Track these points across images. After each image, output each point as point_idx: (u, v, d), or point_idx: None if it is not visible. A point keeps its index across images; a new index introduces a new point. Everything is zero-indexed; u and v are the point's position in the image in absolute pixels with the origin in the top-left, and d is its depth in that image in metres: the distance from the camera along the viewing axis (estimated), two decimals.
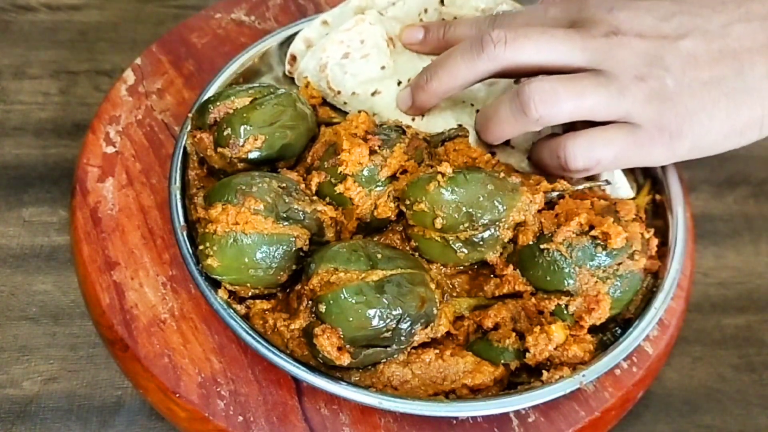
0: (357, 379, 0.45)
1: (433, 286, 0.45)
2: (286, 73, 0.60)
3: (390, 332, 0.42)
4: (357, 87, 0.55)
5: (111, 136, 0.56)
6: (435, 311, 0.44)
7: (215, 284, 0.46)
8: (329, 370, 0.44)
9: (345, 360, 0.42)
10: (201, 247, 0.44)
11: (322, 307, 0.42)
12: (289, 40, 0.59)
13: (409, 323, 0.42)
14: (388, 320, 0.42)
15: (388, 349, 0.43)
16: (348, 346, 0.42)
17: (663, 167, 0.55)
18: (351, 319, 0.41)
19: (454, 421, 0.46)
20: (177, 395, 0.46)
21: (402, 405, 0.43)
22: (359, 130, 0.49)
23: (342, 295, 0.42)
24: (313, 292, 0.43)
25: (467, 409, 0.44)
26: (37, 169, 0.66)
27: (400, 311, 0.42)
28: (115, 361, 0.50)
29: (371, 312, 0.41)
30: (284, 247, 0.45)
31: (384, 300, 0.42)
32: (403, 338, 0.43)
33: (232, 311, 0.45)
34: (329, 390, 0.43)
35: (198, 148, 0.51)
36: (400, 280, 0.43)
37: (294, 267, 0.45)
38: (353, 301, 0.41)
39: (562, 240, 0.46)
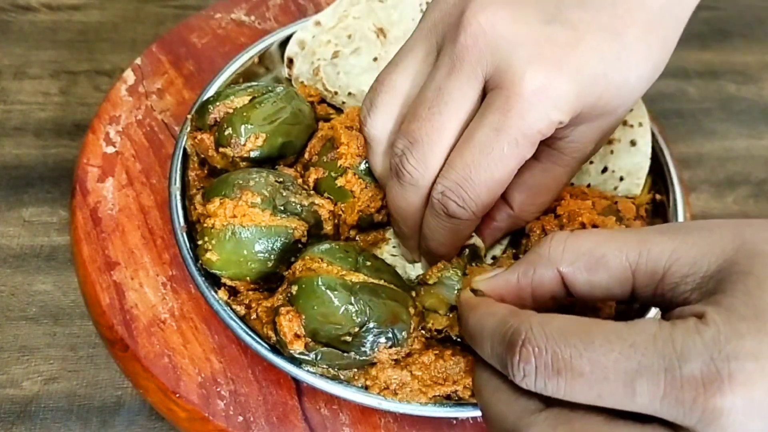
0: (351, 376, 0.44)
1: (411, 311, 0.44)
2: (287, 76, 0.60)
3: (350, 337, 0.41)
4: (352, 86, 0.55)
5: (111, 136, 0.56)
6: (405, 335, 0.43)
7: (215, 284, 0.46)
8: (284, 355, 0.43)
9: (297, 348, 0.41)
10: (200, 242, 0.44)
11: (294, 288, 0.42)
12: (289, 40, 0.59)
13: (372, 335, 0.42)
14: (352, 323, 0.41)
15: (345, 354, 0.42)
16: (307, 337, 0.41)
17: (663, 168, 0.55)
18: (316, 307, 0.41)
19: (454, 422, 0.46)
20: (177, 395, 0.46)
21: (402, 405, 0.43)
22: (355, 123, 0.49)
23: (316, 282, 0.41)
24: (293, 274, 0.43)
25: (467, 409, 0.44)
26: (37, 169, 0.66)
27: (366, 318, 0.41)
28: (115, 361, 0.50)
29: (338, 307, 0.41)
30: (283, 239, 0.45)
31: (353, 300, 0.41)
32: (363, 349, 0.42)
33: (231, 311, 0.45)
34: (329, 390, 0.43)
35: (199, 149, 0.51)
36: (379, 291, 0.42)
37: (292, 260, 0.45)
38: (324, 290, 0.41)
39: None
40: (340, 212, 0.48)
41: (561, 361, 0.29)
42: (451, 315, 0.45)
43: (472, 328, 0.36)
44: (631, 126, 0.54)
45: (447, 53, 0.40)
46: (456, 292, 0.43)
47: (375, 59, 0.56)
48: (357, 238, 0.50)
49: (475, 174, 0.39)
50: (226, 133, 0.48)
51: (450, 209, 0.41)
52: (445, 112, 0.40)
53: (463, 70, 0.39)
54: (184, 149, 0.52)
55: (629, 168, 0.53)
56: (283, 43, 0.60)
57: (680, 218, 0.53)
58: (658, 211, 0.55)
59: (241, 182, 0.45)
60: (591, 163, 0.53)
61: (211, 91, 0.55)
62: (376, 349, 0.42)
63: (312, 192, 0.48)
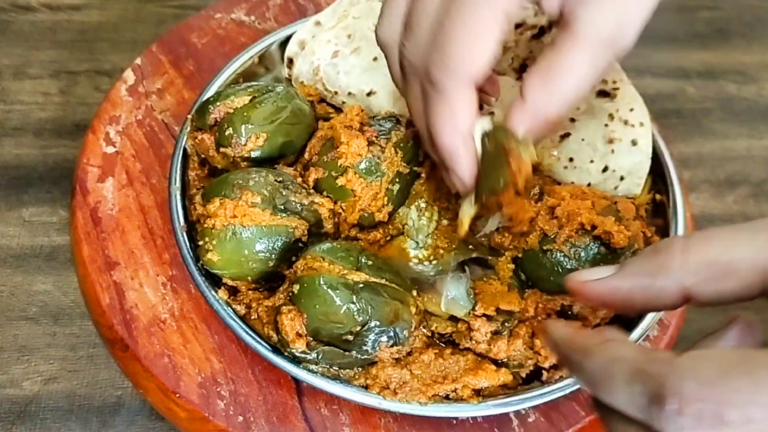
0: (352, 375, 0.44)
1: (413, 310, 0.44)
2: (287, 76, 0.60)
3: (352, 336, 0.42)
4: (352, 86, 0.55)
5: (111, 136, 0.56)
6: (406, 334, 0.43)
7: (215, 284, 0.46)
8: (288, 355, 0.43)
9: (299, 346, 0.41)
10: (201, 243, 0.44)
11: (296, 288, 0.42)
12: (289, 40, 0.59)
13: (374, 334, 0.42)
14: (354, 322, 0.41)
15: (347, 353, 0.42)
16: (308, 336, 0.41)
17: (663, 168, 0.55)
18: (317, 306, 0.41)
19: (454, 421, 0.46)
20: (177, 395, 0.46)
21: (402, 405, 0.43)
22: (354, 122, 0.49)
23: (318, 281, 0.41)
24: (294, 274, 0.43)
25: (467, 409, 0.44)
26: (37, 169, 0.66)
27: (368, 317, 0.41)
28: (115, 361, 0.50)
29: (339, 306, 0.41)
30: (283, 238, 0.45)
31: (355, 299, 0.41)
32: (365, 348, 0.42)
33: (231, 311, 0.45)
34: (329, 390, 0.43)
35: (199, 149, 0.51)
36: (380, 290, 0.43)
37: (294, 259, 0.45)
38: (325, 289, 0.41)
39: (564, 241, 0.46)
40: (341, 211, 0.48)
41: (725, 410, 0.25)
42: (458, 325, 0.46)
43: (593, 375, 0.31)
44: (632, 126, 0.54)
45: None
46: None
47: (375, 59, 0.56)
48: (358, 236, 0.50)
49: (445, 33, 0.38)
50: (227, 133, 0.48)
51: (433, 77, 0.39)
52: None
53: None
54: (184, 149, 0.52)
55: (630, 167, 0.53)
56: (283, 43, 0.60)
57: (680, 218, 0.53)
58: (658, 211, 0.55)
59: (240, 182, 0.45)
60: (591, 162, 0.53)
61: (211, 91, 0.55)
62: (377, 348, 0.42)
63: (312, 191, 0.48)
